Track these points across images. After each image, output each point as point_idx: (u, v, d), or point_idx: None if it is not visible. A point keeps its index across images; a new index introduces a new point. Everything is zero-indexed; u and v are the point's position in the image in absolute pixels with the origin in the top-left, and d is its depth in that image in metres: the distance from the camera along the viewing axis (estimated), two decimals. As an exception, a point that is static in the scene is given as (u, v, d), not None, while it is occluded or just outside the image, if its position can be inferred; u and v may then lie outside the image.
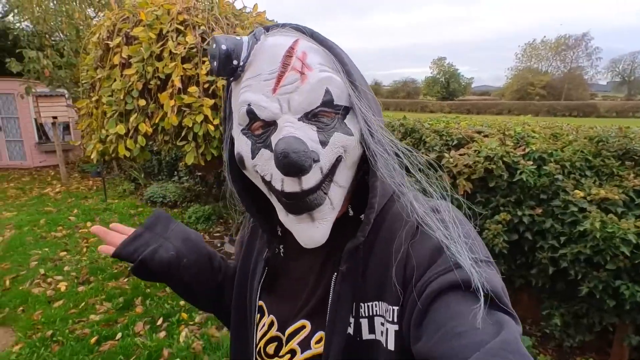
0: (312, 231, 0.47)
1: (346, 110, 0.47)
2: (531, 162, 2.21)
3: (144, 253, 0.60)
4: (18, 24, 8.86)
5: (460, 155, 2.45)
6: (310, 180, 0.44)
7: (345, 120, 0.47)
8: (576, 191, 2.06)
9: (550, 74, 42.47)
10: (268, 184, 0.48)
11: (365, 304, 0.49)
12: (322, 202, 0.46)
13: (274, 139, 0.44)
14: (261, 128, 0.47)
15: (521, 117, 3.01)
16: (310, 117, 0.45)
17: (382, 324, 0.48)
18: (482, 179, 2.33)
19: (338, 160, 0.46)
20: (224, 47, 0.45)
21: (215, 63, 0.46)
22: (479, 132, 2.62)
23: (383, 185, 0.49)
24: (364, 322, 0.49)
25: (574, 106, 30.62)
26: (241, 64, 0.46)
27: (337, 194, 0.47)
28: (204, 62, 2.50)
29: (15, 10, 9.08)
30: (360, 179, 0.52)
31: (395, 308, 0.46)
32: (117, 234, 0.66)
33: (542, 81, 38.98)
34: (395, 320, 0.45)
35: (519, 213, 2.17)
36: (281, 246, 0.60)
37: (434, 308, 0.40)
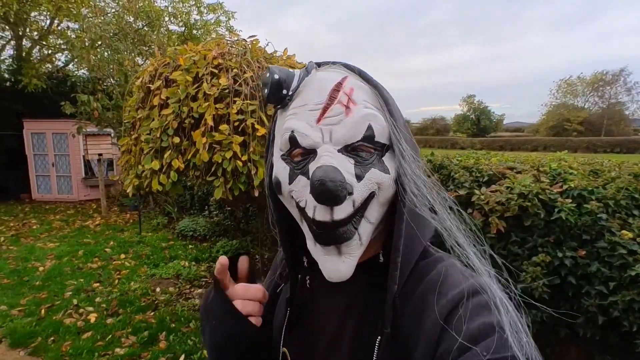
0: (337, 264, 0.46)
1: (385, 148, 0.48)
2: (570, 200, 2.08)
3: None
4: (76, 72, 9.89)
5: (491, 192, 2.35)
6: (341, 211, 0.44)
7: (383, 158, 0.47)
8: (624, 232, 1.90)
9: (588, 110, 41.07)
10: (302, 210, 0.48)
11: None
12: (351, 237, 0.46)
13: (312, 166, 0.45)
14: (301, 155, 0.48)
15: (557, 153, 2.89)
16: (349, 149, 0.46)
17: None
18: (516, 217, 2.21)
19: (371, 196, 0.46)
20: (276, 76, 0.48)
21: (266, 90, 0.49)
22: (511, 169, 2.53)
23: (412, 234, 0.48)
24: None
25: (616, 142, 29.07)
26: (290, 93, 0.49)
27: (366, 230, 0.47)
28: (234, 102, 2.63)
29: (75, 60, 10.17)
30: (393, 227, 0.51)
31: None
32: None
33: (580, 117, 37.65)
34: None
35: (560, 254, 2.02)
36: (307, 277, 0.59)
37: None
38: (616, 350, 1.96)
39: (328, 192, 0.41)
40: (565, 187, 2.17)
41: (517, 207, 2.15)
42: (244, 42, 3.07)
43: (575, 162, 2.77)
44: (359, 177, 0.45)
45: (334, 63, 0.52)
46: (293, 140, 0.47)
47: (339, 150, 0.46)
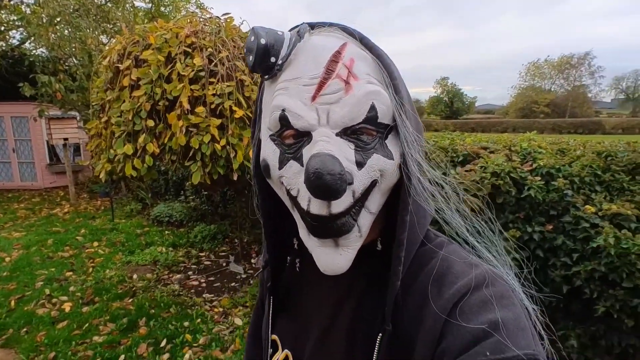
0: (334, 257, 0.42)
1: (388, 130, 0.43)
2: (539, 178, 2.18)
3: None
4: (34, 51, 9.22)
5: (466, 171, 2.43)
6: (340, 204, 0.40)
7: (386, 141, 0.42)
8: (587, 207, 2.02)
9: (555, 92, 42.66)
10: (293, 199, 0.43)
11: None
12: (350, 230, 0.41)
13: (307, 152, 0.41)
14: (293, 137, 0.43)
15: (527, 134, 3.01)
16: (349, 133, 0.41)
17: None
18: (489, 196, 2.30)
19: (373, 184, 0.42)
20: (263, 41, 0.41)
21: (251, 57, 0.42)
22: (485, 149, 2.61)
23: (414, 223, 0.44)
24: None
25: (579, 123, 30.55)
26: (279, 62, 0.42)
27: (366, 220, 0.43)
28: (210, 83, 2.55)
29: (32, 38, 9.46)
30: (391, 212, 0.47)
31: None
32: None
33: (546, 99, 39.12)
34: None
35: (529, 229, 2.13)
36: (297, 260, 0.55)
37: None
38: (577, 316, 2.12)
39: (326, 187, 0.37)
40: (534, 165, 2.27)
41: (490, 186, 2.23)
42: (217, 20, 2.96)
43: (544, 141, 2.90)
44: (360, 164, 0.41)
45: (330, 24, 0.44)
46: (284, 121, 0.41)
47: (337, 134, 0.41)
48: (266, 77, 0.44)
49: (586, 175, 2.18)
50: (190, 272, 3.91)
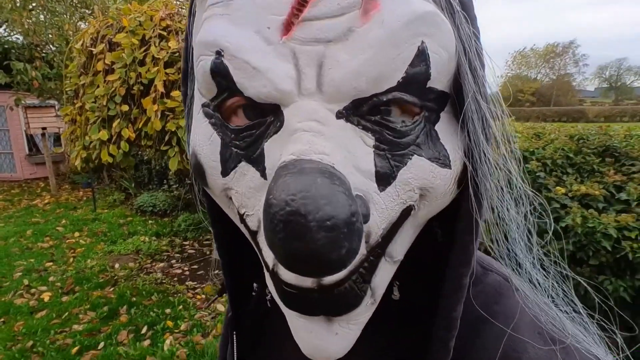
0: (325, 339, 0.26)
1: (444, 102, 0.25)
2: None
3: None
4: (8, 37, 8.88)
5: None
6: (339, 272, 0.22)
7: (436, 127, 0.25)
8: (557, 188, 2.07)
9: (540, 81, 43.23)
10: (252, 234, 0.27)
11: None
12: (359, 304, 0.26)
13: (273, 151, 0.23)
14: (244, 114, 0.25)
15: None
16: (366, 111, 0.23)
17: None
18: (466, 179, 2.35)
19: (404, 214, 0.25)
20: None
21: None
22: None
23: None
24: None
25: (563, 112, 31.11)
26: None
27: (386, 276, 0.27)
28: (187, 67, 2.51)
29: (5, 24, 9.11)
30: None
31: None
32: None
33: (532, 88, 39.64)
34: None
35: (503, 211, 2.18)
36: (267, 292, 0.36)
37: None
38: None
39: (310, 257, 0.19)
40: (509, 149, 2.31)
41: (466, 169, 2.27)
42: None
43: (521, 126, 2.95)
44: (384, 179, 0.23)
45: None
46: (222, 77, 0.23)
47: (338, 113, 0.22)
48: None
49: (558, 158, 2.24)
50: (173, 261, 3.89)
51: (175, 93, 2.42)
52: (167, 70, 2.44)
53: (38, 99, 6.75)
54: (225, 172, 0.25)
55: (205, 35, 0.23)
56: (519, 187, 0.27)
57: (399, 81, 0.22)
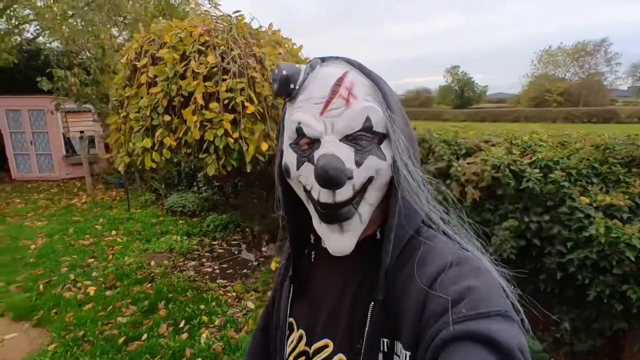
0: (340, 240, 0.52)
1: (382, 137, 0.52)
2: (537, 170, 2.28)
3: None
4: (48, 45, 9.43)
5: (468, 164, 2.53)
6: (343, 194, 0.49)
7: (380, 146, 0.52)
8: (582, 198, 2.12)
9: (569, 81, 41.71)
10: (308, 193, 0.54)
11: (384, 340, 0.51)
12: (352, 216, 0.51)
13: (316, 154, 0.51)
14: (307, 144, 0.53)
15: (530, 125, 3.07)
16: (350, 139, 0.51)
17: None
18: (490, 187, 2.41)
19: (369, 180, 0.51)
20: (284, 72, 0.53)
21: (276, 85, 0.54)
22: (487, 142, 2.70)
23: (407, 214, 0.53)
24: (380, 357, 0.51)
25: (593, 112, 29.85)
26: (297, 87, 0.54)
27: (365, 210, 0.52)
28: (224, 79, 2.68)
29: (47, 32, 9.67)
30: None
31: (408, 353, 0.47)
32: None
33: (560, 88, 38.31)
34: None
35: (527, 219, 2.24)
36: (313, 252, 0.66)
37: (441, 358, 0.41)
38: (571, 301, 2.23)
39: (330, 178, 0.47)
40: (534, 158, 2.36)
41: (490, 178, 2.34)
42: (229, 18, 3.07)
43: (546, 134, 2.98)
44: (358, 164, 0.50)
45: (336, 58, 0.57)
46: (300, 131, 0.52)
47: (340, 140, 0.51)
48: (287, 99, 0.56)
49: (583, 168, 2.27)
50: (204, 260, 4.11)
51: (213, 105, 2.60)
52: (206, 84, 2.62)
53: (75, 104, 7.16)
54: (297, 168, 0.54)
55: (295, 117, 0.54)
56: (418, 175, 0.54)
57: (360, 128, 0.51)
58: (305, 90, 0.54)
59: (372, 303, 0.51)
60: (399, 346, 0.49)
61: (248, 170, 2.77)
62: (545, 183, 2.24)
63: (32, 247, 4.47)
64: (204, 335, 2.59)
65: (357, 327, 0.53)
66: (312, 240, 0.66)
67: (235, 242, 4.61)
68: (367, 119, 0.51)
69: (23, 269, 3.85)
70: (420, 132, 3.12)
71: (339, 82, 0.52)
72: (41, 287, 3.42)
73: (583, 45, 41.61)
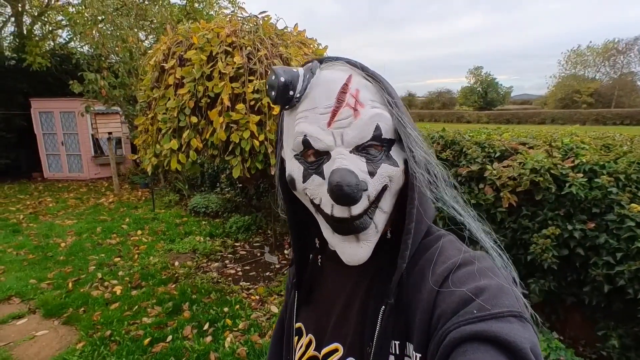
0: (356, 250, 0.50)
1: (391, 142, 0.51)
2: (581, 175, 2.13)
3: None
4: (80, 49, 9.78)
5: (504, 167, 2.40)
6: (358, 207, 0.48)
7: (390, 152, 0.51)
8: (633, 205, 1.96)
9: (600, 81, 40.01)
10: (317, 207, 0.52)
11: (395, 342, 0.50)
12: (368, 227, 0.49)
13: (327, 168, 0.49)
14: (314, 156, 0.50)
15: (567, 126, 2.90)
16: (360, 149, 0.49)
17: None
18: (527, 192, 2.27)
19: (384, 188, 0.50)
20: (282, 79, 0.49)
21: (273, 93, 0.50)
22: (524, 144, 2.56)
23: (420, 217, 0.51)
24: (391, 359, 0.50)
25: (626, 114, 28.43)
26: (297, 95, 0.50)
27: (381, 219, 0.51)
28: (250, 80, 2.66)
29: (78, 37, 10.03)
30: (401, 207, 0.54)
31: (419, 355, 0.46)
32: None
33: (590, 88, 36.78)
34: None
35: (569, 227, 2.09)
36: (319, 256, 0.64)
37: (451, 359, 0.39)
38: (619, 316, 2.07)
39: (346, 195, 0.45)
40: (577, 162, 2.21)
41: (528, 182, 2.20)
42: (255, 19, 3.05)
43: (587, 136, 2.80)
44: (372, 174, 0.48)
45: (337, 59, 0.53)
46: (306, 144, 0.50)
47: (350, 151, 0.48)
48: (286, 107, 0.53)
49: (633, 173, 2.11)
50: (227, 261, 4.10)
51: (240, 106, 2.58)
52: (233, 85, 2.61)
53: (104, 106, 7.37)
54: (304, 180, 0.51)
55: (299, 128, 0.50)
56: (436, 171, 0.53)
57: (370, 137, 0.49)
58: (308, 98, 0.51)
59: (384, 307, 0.50)
60: (410, 348, 0.48)
61: (272, 173, 2.73)
62: (590, 188, 2.09)
63: (62, 245, 4.60)
64: (228, 339, 2.56)
65: (367, 330, 0.52)
66: (317, 245, 0.64)
67: (258, 244, 4.60)
68: (377, 128, 0.49)
69: (54, 267, 3.96)
70: (450, 134, 3.00)
71: (344, 90, 0.49)
72: (70, 285, 3.49)
73: (614, 44, 39.84)
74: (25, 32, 10.35)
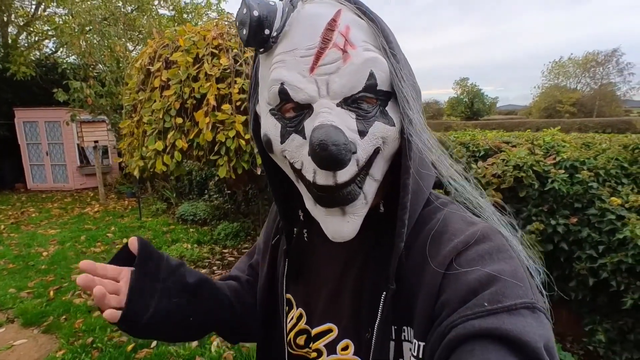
0: (341, 225, 0.43)
1: (388, 96, 0.42)
2: (563, 171, 2.17)
3: (149, 315, 0.48)
4: (66, 58, 9.71)
5: (488, 165, 2.44)
6: (345, 173, 0.40)
7: (386, 108, 0.42)
8: (613, 198, 2.00)
9: (581, 91, 41.27)
10: (298, 171, 0.44)
11: (394, 327, 0.45)
12: (356, 197, 0.42)
13: (309, 125, 0.40)
14: (293, 110, 0.42)
15: (550, 129, 2.97)
16: (350, 102, 0.41)
17: (411, 352, 0.43)
18: (511, 189, 2.30)
19: (376, 152, 0.42)
20: (255, 13, 0.39)
21: (244, 31, 0.40)
22: (507, 143, 2.61)
23: (417, 187, 0.44)
24: (391, 345, 0.45)
25: (607, 123, 29.25)
26: (274, 34, 0.40)
27: (371, 187, 0.43)
28: (236, 82, 2.66)
29: (64, 46, 9.96)
30: (395, 177, 0.46)
31: (422, 344, 0.41)
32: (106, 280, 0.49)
33: (572, 98, 37.87)
34: (420, 357, 0.41)
35: (553, 222, 2.12)
36: (305, 230, 0.56)
37: (456, 356, 0.35)
38: (604, 310, 2.09)
39: (331, 157, 0.37)
40: (558, 158, 2.26)
41: (512, 179, 2.24)
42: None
43: (568, 136, 2.87)
44: (362, 133, 0.40)
45: None
46: (284, 94, 0.41)
47: (337, 104, 0.40)
48: (261, 50, 0.43)
49: (612, 168, 2.16)
50: (215, 267, 4.03)
51: (226, 107, 2.58)
52: (219, 86, 2.61)
53: (90, 115, 7.29)
54: (282, 141, 0.43)
55: (275, 75, 0.41)
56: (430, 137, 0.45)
57: (362, 88, 0.40)
58: (287, 37, 0.41)
59: (385, 293, 0.44)
60: (410, 332, 0.44)
61: (258, 173, 2.72)
62: (571, 184, 2.13)
63: (45, 254, 4.47)
64: (214, 343, 2.50)
65: (365, 314, 0.47)
66: (301, 217, 0.56)
67: (246, 249, 4.54)
68: (371, 75, 0.40)
69: (35, 275, 3.83)
70: (436, 135, 3.04)
71: (331, 26, 0.40)
72: (52, 293, 3.38)
73: (593, 56, 41.25)
74: (10, 41, 10.25)
